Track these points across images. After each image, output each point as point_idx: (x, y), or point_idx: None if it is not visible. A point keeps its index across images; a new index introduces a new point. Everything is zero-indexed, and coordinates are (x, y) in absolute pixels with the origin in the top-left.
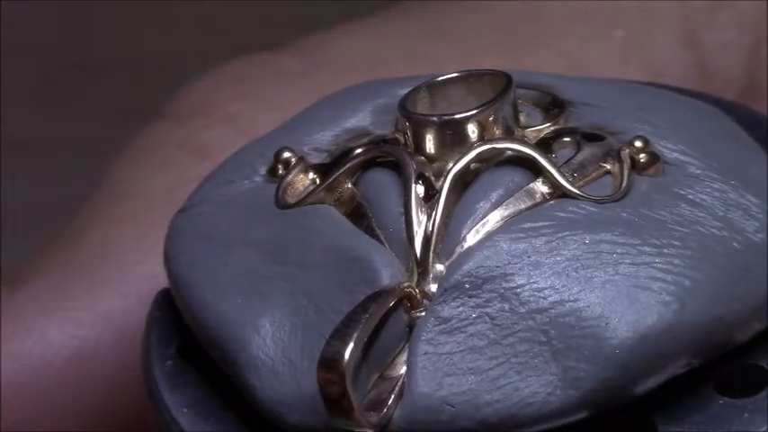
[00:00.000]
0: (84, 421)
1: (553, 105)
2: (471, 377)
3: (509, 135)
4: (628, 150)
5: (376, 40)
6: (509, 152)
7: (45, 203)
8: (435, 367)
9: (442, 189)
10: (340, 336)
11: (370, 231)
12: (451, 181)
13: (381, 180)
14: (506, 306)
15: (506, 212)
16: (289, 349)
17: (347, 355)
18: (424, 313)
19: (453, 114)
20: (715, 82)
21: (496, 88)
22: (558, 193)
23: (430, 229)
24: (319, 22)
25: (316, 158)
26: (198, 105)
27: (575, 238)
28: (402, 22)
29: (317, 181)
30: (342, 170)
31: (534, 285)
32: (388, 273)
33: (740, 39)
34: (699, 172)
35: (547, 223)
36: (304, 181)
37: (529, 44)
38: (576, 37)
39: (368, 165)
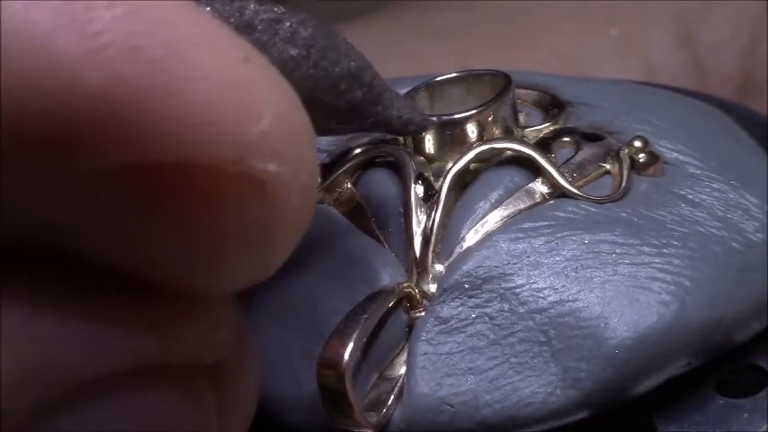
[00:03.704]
0: None
1: (552, 105)
2: (471, 377)
3: (508, 135)
4: (627, 150)
5: (374, 40)
6: (509, 152)
7: None
8: (435, 367)
9: (441, 189)
10: (340, 336)
11: (369, 231)
12: (451, 181)
13: (381, 180)
14: (506, 306)
15: (506, 212)
16: (289, 349)
17: (347, 355)
18: (423, 313)
19: (453, 114)
20: (711, 80)
21: (496, 88)
22: (557, 193)
23: (429, 229)
24: None
25: None
26: None
27: (574, 238)
28: (399, 22)
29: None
30: (341, 170)
31: (534, 285)
32: (388, 273)
33: (736, 37)
34: (698, 172)
35: (546, 223)
36: None
37: (523, 43)
38: (570, 35)
39: (367, 165)
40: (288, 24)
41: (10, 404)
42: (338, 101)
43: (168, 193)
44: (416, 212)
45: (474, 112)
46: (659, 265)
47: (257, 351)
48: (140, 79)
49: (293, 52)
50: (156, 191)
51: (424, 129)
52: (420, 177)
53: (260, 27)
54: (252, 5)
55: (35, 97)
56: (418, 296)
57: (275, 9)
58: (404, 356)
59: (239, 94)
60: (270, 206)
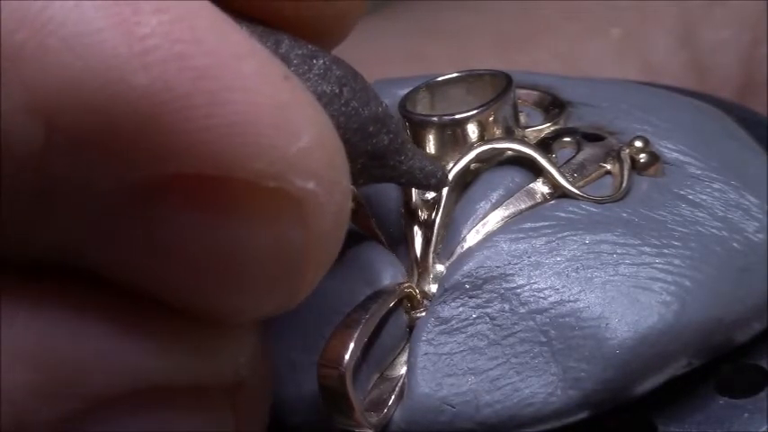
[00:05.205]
0: None
1: (553, 105)
2: (471, 377)
3: (509, 135)
4: (628, 150)
5: (374, 40)
6: (509, 152)
7: None
8: (435, 367)
9: None
10: (340, 336)
11: (370, 231)
12: (452, 181)
13: None
14: (506, 306)
15: (506, 212)
16: (289, 349)
17: (347, 355)
18: (424, 313)
19: (453, 114)
20: (712, 80)
21: (496, 88)
22: (558, 193)
23: (430, 229)
24: None
25: None
26: None
27: (575, 238)
28: (399, 23)
29: None
30: None
31: (534, 286)
32: (389, 273)
33: (737, 37)
34: (699, 172)
35: (547, 223)
36: None
37: (524, 43)
38: (570, 35)
39: None
40: (321, 62)
41: (24, 414)
42: (365, 143)
43: (196, 212)
44: (417, 212)
45: (475, 112)
46: (660, 266)
47: (271, 364)
48: (186, 86)
49: (326, 88)
50: (183, 209)
51: (445, 183)
52: None
53: (295, 61)
54: (287, 40)
55: (79, 96)
56: (419, 296)
57: (309, 46)
58: (404, 357)
59: (281, 109)
60: (302, 228)
